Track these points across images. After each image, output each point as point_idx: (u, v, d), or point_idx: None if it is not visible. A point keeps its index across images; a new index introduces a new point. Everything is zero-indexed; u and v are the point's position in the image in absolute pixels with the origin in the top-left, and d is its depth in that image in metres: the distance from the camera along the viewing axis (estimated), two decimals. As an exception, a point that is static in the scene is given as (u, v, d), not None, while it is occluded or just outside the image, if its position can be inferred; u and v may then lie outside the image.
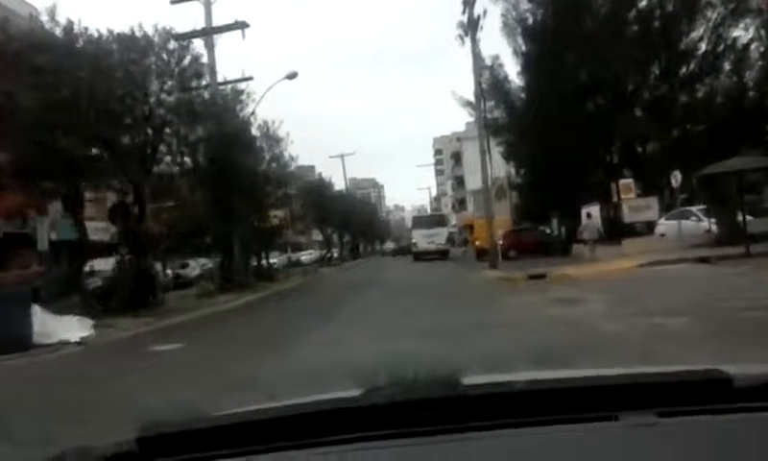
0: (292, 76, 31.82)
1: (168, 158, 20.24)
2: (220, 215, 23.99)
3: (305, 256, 56.55)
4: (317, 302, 20.38)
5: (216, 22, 26.19)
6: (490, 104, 46.01)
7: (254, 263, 31.25)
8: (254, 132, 27.55)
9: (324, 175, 61.44)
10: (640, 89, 35.88)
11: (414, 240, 46.10)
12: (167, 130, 19.04)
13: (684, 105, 31.82)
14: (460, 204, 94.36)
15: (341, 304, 17.33)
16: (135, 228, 18.95)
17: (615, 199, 24.80)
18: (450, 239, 54.59)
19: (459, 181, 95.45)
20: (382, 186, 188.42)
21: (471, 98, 45.27)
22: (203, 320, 17.91)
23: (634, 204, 24.47)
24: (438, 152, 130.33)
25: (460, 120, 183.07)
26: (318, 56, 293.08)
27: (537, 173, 42.37)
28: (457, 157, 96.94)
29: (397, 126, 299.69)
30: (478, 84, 30.63)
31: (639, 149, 34.96)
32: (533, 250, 32.47)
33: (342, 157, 64.58)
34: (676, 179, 20.40)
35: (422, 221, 49.31)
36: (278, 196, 31.13)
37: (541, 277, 20.71)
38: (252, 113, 24.85)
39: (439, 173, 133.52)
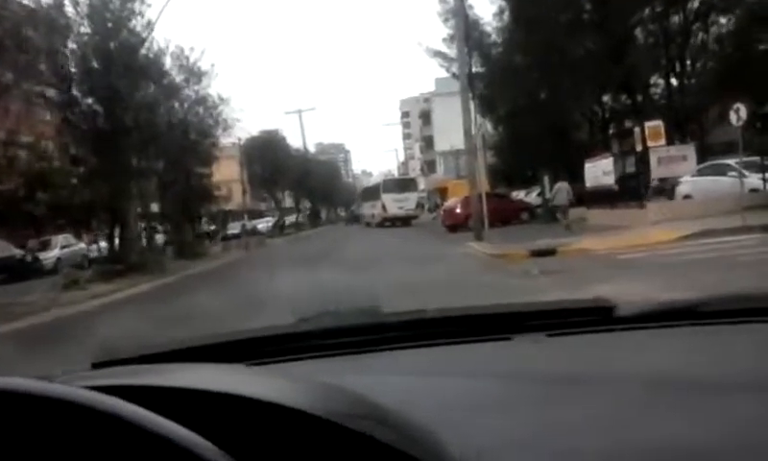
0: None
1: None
2: (103, 172, 17.34)
3: (262, 225, 49.25)
4: (234, 292, 14.20)
5: None
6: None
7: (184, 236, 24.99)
8: (169, 65, 21.10)
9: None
10: (644, 24, 30.29)
11: (383, 203, 43.73)
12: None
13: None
14: (429, 166, 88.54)
15: (263, 301, 11.17)
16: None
17: (640, 147, 19.02)
18: (420, 204, 52.88)
19: (428, 143, 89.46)
20: (349, 151, 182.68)
21: (442, 47, 40.12)
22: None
23: (664, 153, 18.74)
24: (405, 114, 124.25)
25: (428, 81, 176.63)
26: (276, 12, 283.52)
27: (519, 128, 37.06)
28: (426, 117, 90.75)
29: (365, 89, 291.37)
30: (464, 15, 25.06)
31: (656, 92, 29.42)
32: (503, 219, 27.16)
33: (299, 112, 57.88)
34: (739, 114, 14.55)
35: (393, 185, 46.95)
36: (203, 148, 24.61)
37: (550, 253, 15.05)
38: (150, 26, 18.11)
39: (407, 137, 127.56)
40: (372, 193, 48.81)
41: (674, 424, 0.91)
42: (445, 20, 39.24)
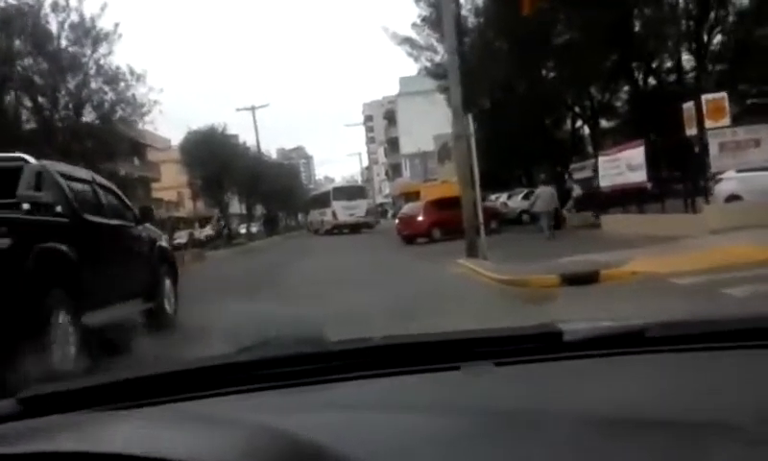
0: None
1: None
2: None
3: (180, 240, 38.75)
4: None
5: None
6: (434, 37, 35.77)
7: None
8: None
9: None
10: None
11: (334, 210, 44.39)
12: None
13: None
14: (394, 170, 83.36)
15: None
16: None
17: (695, 130, 13.97)
18: (383, 211, 57.68)
19: (393, 145, 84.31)
20: (311, 157, 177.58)
21: (410, 32, 35.25)
22: None
23: (729, 137, 13.71)
24: (368, 118, 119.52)
25: (391, 84, 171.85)
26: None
27: (498, 124, 32.43)
28: (391, 118, 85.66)
29: (325, 90, 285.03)
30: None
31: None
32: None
33: (252, 109, 51.72)
34: None
35: (343, 192, 47.75)
36: (106, 135, 18.60)
37: (590, 279, 10.00)
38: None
39: (370, 140, 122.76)
40: (322, 200, 48.99)
41: (620, 458, 0.92)
42: (418, 0, 34.23)
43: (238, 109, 53.74)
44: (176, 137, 45.17)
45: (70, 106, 17.11)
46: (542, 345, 1.37)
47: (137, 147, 57.21)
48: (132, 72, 18.83)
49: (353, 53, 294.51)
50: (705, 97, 13.93)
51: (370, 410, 1.17)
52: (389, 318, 7.41)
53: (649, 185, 16.08)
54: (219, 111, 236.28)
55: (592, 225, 19.11)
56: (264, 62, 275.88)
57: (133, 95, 18.92)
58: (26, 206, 6.68)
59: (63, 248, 6.74)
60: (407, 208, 30.44)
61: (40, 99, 16.14)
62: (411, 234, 25.82)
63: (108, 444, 0.83)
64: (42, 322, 6.03)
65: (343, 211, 44.20)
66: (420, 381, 1.30)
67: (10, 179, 6.82)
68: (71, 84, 16.87)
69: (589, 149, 38.18)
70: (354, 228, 42.74)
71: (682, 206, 15.24)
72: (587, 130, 37.46)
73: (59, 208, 7.09)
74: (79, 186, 7.91)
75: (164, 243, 10.74)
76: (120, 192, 9.66)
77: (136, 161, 57.32)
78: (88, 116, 17.93)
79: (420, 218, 25.56)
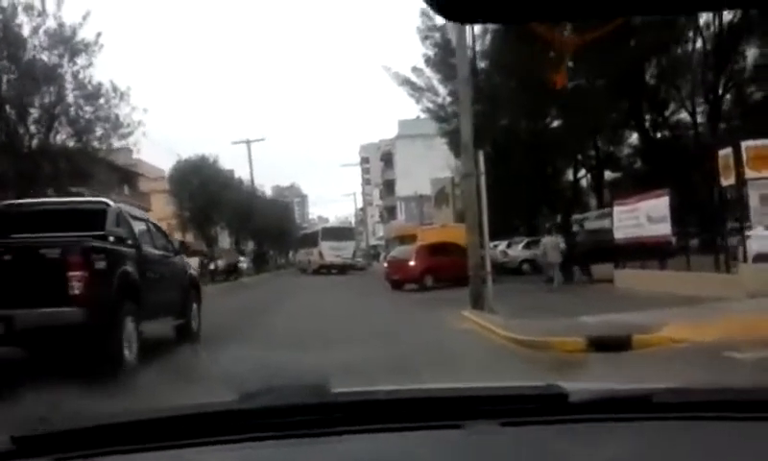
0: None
1: None
2: None
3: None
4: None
5: None
6: (435, 78, 34.81)
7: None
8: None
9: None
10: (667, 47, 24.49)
11: (321, 252, 44.92)
12: None
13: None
14: (389, 212, 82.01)
15: None
16: None
17: (732, 179, 12.55)
18: (375, 254, 56.91)
19: (388, 187, 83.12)
20: (306, 196, 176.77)
21: (409, 74, 34.36)
22: None
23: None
24: (365, 160, 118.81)
25: (388, 128, 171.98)
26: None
27: (500, 171, 31.17)
28: (387, 160, 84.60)
29: (325, 137, 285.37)
30: None
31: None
32: (458, 277, 20.30)
33: (247, 142, 50.54)
34: None
35: (331, 233, 48.11)
36: (81, 156, 16.90)
37: (621, 344, 8.53)
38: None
39: (366, 182, 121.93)
40: (311, 240, 49.40)
41: None
42: (425, 38, 33.23)
43: (234, 143, 52.53)
44: (169, 167, 43.86)
45: (42, 121, 15.63)
46: (548, 405, 1.35)
47: (129, 176, 55.97)
48: (114, 89, 17.28)
49: (351, 94, 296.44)
50: (746, 144, 12.58)
51: None
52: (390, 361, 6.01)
53: (673, 239, 14.64)
54: (214, 143, 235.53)
55: (604, 279, 17.65)
56: (263, 97, 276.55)
57: (116, 115, 17.48)
58: (111, 238, 8.67)
59: (132, 271, 8.73)
60: (397, 252, 28.87)
61: (8, 109, 14.62)
62: (401, 280, 24.26)
63: None
64: (118, 324, 8.08)
65: (330, 252, 44.54)
66: (422, 438, 1.28)
67: (97, 217, 8.83)
68: (44, 97, 15.41)
69: (590, 200, 37.30)
70: (341, 269, 42.89)
71: (709, 264, 13.78)
72: (585, 181, 36.50)
73: (129, 241, 9.18)
74: (138, 224, 9.96)
75: (193, 271, 13.21)
76: (164, 229, 12.15)
77: (126, 190, 56.00)
78: (63, 133, 16.42)
79: (412, 263, 23.95)
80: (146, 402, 5.78)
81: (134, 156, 58.63)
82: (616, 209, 17.90)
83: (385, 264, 28.82)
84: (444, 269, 23.06)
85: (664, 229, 14.60)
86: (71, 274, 7.42)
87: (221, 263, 36.67)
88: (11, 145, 15.02)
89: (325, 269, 43.05)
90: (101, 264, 7.86)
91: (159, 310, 9.71)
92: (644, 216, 15.56)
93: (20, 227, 8.67)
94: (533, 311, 12.06)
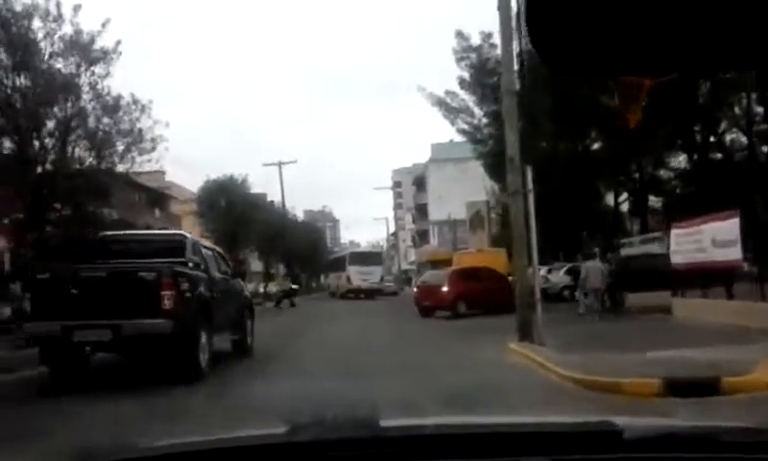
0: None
1: None
2: None
3: None
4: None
5: None
6: (471, 99, 33.63)
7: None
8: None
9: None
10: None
11: (349, 276, 45.41)
12: None
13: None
14: (421, 236, 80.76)
15: None
16: None
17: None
18: (407, 279, 56.39)
19: (421, 211, 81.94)
20: (338, 220, 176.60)
21: (443, 95, 33.31)
22: None
23: None
24: (397, 184, 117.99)
25: (422, 151, 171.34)
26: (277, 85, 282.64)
27: (539, 194, 29.68)
28: (420, 184, 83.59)
29: (358, 160, 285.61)
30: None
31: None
32: (496, 304, 20.27)
33: (279, 164, 49.88)
34: None
35: (359, 257, 48.98)
36: (100, 174, 15.90)
37: (708, 387, 7.17)
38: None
39: (398, 206, 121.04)
40: (340, 264, 49.70)
41: None
42: (460, 59, 32.10)
43: (265, 164, 51.75)
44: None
45: (57, 133, 14.79)
46: (601, 442, 1.31)
47: (160, 198, 55.78)
48: (134, 101, 16.40)
49: (384, 117, 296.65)
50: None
51: None
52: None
53: (745, 265, 13.19)
54: (245, 166, 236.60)
55: (659, 307, 16.18)
56: (295, 120, 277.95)
57: (140, 130, 16.63)
58: (190, 264, 10.21)
59: (205, 292, 10.23)
60: (428, 276, 27.42)
61: (21, 121, 13.79)
62: (431, 306, 22.94)
63: None
64: (197, 338, 9.53)
65: (357, 276, 44.88)
66: None
67: (178, 246, 10.50)
68: (60, 108, 14.58)
69: (630, 225, 35.76)
70: (368, 293, 42.92)
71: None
72: (625, 205, 35.08)
73: (202, 266, 10.71)
74: (207, 251, 11.67)
75: (248, 292, 15.03)
76: (225, 254, 14.08)
77: (157, 213, 55.79)
78: (80, 147, 15.51)
79: (445, 288, 22.56)
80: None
81: (166, 178, 58.56)
82: (674, 233, 16.44)
83: (415, 289, 27.36)
84: (478, 295, 21.92)
85: (734, 253, 13.15)
86: (163, 292, 8.98)
87: (273, 288, 37.86)
88: (24, 158, 14.18)
89: (353, 293, 43.26)
90: (185, 285, 9.45)
91: (224, 326, 11.32)
92: (709, 239, 14.12)
93: (117, 254, 10.51)
94: (588, 344, 10.74)
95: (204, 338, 9.72)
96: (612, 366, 8.49)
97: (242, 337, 12.44)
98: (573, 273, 24.26)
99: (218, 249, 13.60)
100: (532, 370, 9.34)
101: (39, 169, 14.61)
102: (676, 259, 16.15)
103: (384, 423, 1.49)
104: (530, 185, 12.17)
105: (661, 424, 1.38)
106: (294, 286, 39.55)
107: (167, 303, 8.91)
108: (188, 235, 11.60)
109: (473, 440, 1.36)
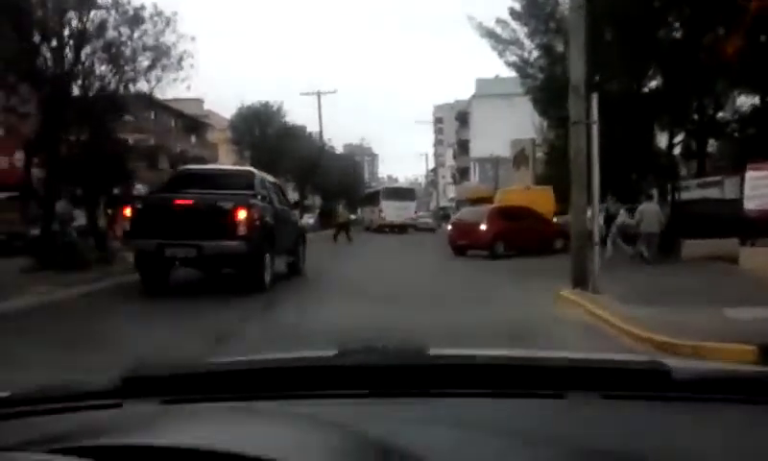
0: None
1: None
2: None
3: None
4: None
5: None
6: (522, 31, 31.44)
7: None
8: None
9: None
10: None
11: (382, 211, 45.61)
12: None
13: None
14: (461, 173, 78.98)
15: None
16: None
17: None
18: (444, 215, 55.91)
19: (462, 147, 79.93)
20: (376, 156, 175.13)
21: (493, 26, 31.14)
22: None
23: None
24: (438, 120, 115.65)
25: (465, 89, 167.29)
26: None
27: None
28: (462, 119, 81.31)
29: (400, 94, 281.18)
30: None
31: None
32: (533, 246, 20.20)
33: (318, 94, 48.35)
34: None
35: (393, 193, 48.54)
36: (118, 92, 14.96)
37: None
38: None
39: (439, 143, 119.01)
40: (374, 198, 50.20)
41: None
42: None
43: (303, 93, 49.92)
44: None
45: (70, 42, 13.61)
46: (650, 381, 1.31)
47: (196, 126, 55.04)
48: (158, 12, 14.97)
49: (428, 52, 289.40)
50: None
51: (470, 430, 1.15)
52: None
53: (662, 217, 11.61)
54: (284, 96, 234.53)
55: (720, 255, 14.74)
56: (336, 50, 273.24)
57: (167, 46, 15.41)
58: (258, 196, 11.85)
59: (270, 220, 11.94)
60: (464, 213, 25.71)
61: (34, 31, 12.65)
62: (466, 245, 21.56)
63: (221, 441, 0.85)
64: (263, 258, 11.44)
65: (391, 211, 45.37)
66: (522, 406, 1.27)
67: (248, 180, 12.36)
68: (77, 15, 13.36)
69: (682, 169, 33.82)
70: (401, 228, 43.89)
71: None
72: (677, 149, 33.11)
73: (267, 198, 12.36)
74: (269, 185, 13.30)
75: (301, 222, 17.54)
76: (283, 188, 15.99)
77: (193, 140, 55.17)
78: (98, 62, 14.35)
79: (484, 227, 21.07)
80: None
81: (205, 106, 57.47)
82: (751, 175, 14.76)
83: (449, 227, 25.81)
84: (519, 236, 20.60)
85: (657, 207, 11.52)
86: (239, 219, 10.72)
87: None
88: (34, 69, 13.11)
89: (387, 228, 43.79)
90: (255, 214, 11.09)
91: (282, 250, 13.02)
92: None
93: (197, 184, 11.97)
94: (650, 296, 9.43)
95: (267, 259, 11.49)
96: (686, 325, 7.21)
97: (296, 260, 14.51)
98: (610, 217, 22.52)
99: (278, 182, 15.08)
100: (591, 325, 8.08)
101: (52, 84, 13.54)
102: (750, 205, 14.55)
103: (433, 351, 1.50)
104: (595, 116, 10.69)
105: (711, 367, 1.35)
106: (352, 216, 39.05)
107: (242, 229, 10.66)
108: (256, 171, 13.19)
109: (522, 372, 1.35)
